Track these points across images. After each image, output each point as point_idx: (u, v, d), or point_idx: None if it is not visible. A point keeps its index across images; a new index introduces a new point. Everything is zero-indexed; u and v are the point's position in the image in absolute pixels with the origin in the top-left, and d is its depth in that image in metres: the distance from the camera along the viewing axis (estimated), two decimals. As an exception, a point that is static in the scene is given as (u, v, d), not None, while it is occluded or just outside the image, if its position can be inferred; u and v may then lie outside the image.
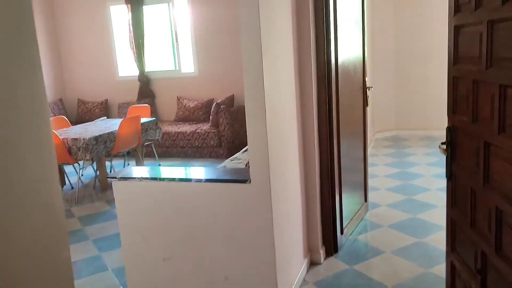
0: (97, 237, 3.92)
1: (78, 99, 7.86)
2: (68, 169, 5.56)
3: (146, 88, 7.47)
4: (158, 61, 7.58)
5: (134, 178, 2.64)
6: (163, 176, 2.61)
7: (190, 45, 7.15)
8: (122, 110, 7.47)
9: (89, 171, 5.90)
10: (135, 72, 7.57)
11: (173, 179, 2.57)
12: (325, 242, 3.26)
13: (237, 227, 2.51)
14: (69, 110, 7.99)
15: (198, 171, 2.73)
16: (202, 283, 2.66)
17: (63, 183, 5.49)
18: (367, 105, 3.88)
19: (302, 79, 3.02)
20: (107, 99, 7.74)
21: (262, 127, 2.35)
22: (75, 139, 4.84)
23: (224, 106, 6.42)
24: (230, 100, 6.80)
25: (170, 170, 2.77)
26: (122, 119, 5.82)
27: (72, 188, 5.43)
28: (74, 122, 7.59)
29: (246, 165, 2.78)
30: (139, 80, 7.44)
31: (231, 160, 4.01)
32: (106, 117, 6.44)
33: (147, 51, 7.37)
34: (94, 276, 3.25)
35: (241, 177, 2.46)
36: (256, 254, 2.51)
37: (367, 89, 3.84)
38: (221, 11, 6.81)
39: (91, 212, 4.56)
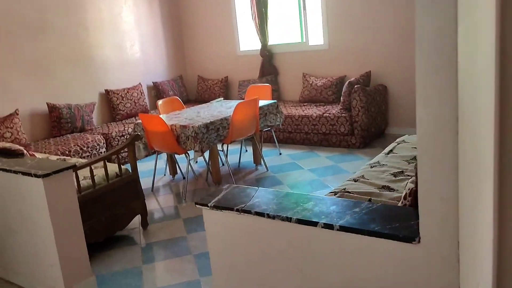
0: (200, 252, 3.21)
1: (198, 76, 7.35)
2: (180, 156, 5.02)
3: (268, 64, 6.62)
4: (282, 32, 6.66)
5: (233, 209, 1.78)
6: (272, 212, 1.69)
7: (320, 13, 6.07)
8: (242, 88, 6.76)
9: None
10: (257, 46, 6.77)
11: (288, 219, 1.64)
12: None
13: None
14: (189, 87, 7.55)
15: (326, 206, 1.75)
16: None
17: (174, 171, 4.96)
18: None
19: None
20: (227, 76, 7.09)
21: (450, 130, 1.27)
22: (184, 127, 4.19)
23: (358, 85, 5.28)
24: (366, 78, 5.61)
25: (284, 198, 1.84)
26: (239, 101, 5.07)
27: (184, 178, 4.87)
28: (193, 101, 7.14)
29: (405, 199, 1.73)
30: (261, 54, 6.61)
31: (371, 167, 2.94)
32: (222, 98, 5.78)
33: (270, 22, 6.49)
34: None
35: (400, 232, 1.43)
36: None
37: None
38: (359, -31, 5.58)
39: (198, 213, 3.90)
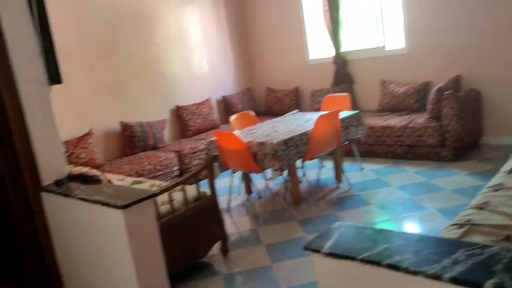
0: (289, 285, 2.88)
1: (267, 87, 7.09)
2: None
3: (342, 72, 6.22)
4: (356, 38, 6.24)
5: (355, 258, 1.42)
6: (411, 265, 1.32)
7: (400, 15, 5.59)
8: (314, 99, 6.40)
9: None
10: (329, 54, 6.40)
11: (437, 277, 1.26)
12: None
13: None
14: (258, 99, 7.30)
15: (483, 256, 1.34)
16: None
17: (249, 190, 4.68)
18: None
19: None
20: (297, 87, 6.76)
21: None
22: (261, 144, 3.89)
23: (449, 91, 4.75)
24: (456, 83, 5.05)
25: (422, 244, 1.45)
26: (317, 113, 4.73)
27: (260, 197, 4.58)
28: (263, 113, 6.88)
29: None
30: (334, 62, 6.23)
31: (495, 190, 2.47)
32: (298, 110, 5.45)
33: (344, 27, 6.09)
34: None
35: None
36: None
37: None
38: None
39: (283, 238, 3.57)
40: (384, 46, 5.85)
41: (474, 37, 5.04)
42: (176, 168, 5.18)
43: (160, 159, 5.06)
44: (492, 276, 1.20)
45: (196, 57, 6.47)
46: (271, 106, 6.92)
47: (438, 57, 5.36)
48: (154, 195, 2.46)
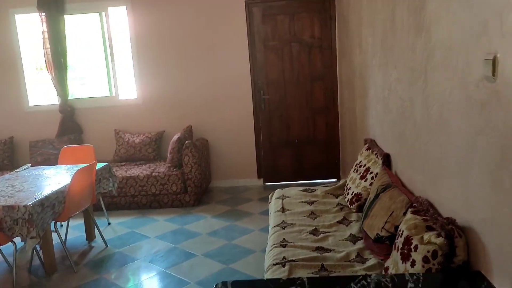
0: None
1: (-33, 137, 5.80)
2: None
3: (70, 121, 5.75)
4: (86, 85, 5.93)
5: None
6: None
7: (131, 64, 5.68)
8: (36, 150, 5.64)
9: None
10: (52, 101, 5.83)
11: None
12: None
13: None
14: (-46, 153, 5.86)
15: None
16: None
17: (-22, 269, 3.67)
18: None
19: None
20: (12, 137, 5.81)
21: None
22: (10, 207, 3.17)
23: (189, 141, 5.10)
24: (189, 133, 5.48)
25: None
26: (52, 166, 4.25)
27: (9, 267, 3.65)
28: (-35, 170, 5.55)
29: (426, 262, 1.69)
30: (60, 111, 5.69)
31: (283, 228, 2.83)
32: (30, 164, 4.65)
33: (70, 74, 5.69)
34: None
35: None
36: None
37: None
38: (169, 21, 5.51)
39: (48, 321, 2.95)
40: (116, 95, 5.78)
41: (201, 91, 5.62)
42: None
43: None
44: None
45: None
46: (-25, 160, 5.66)
47: (170, 108, 5.70)
48: None
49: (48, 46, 5.56)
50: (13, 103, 5.84)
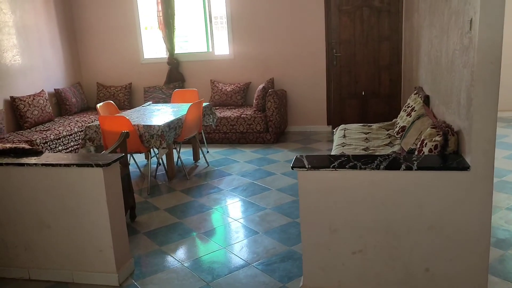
0: (203, 230, 3.67)
1: (97, 83, 7.33)
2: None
3: (175, 72, 7.08)
4: (189, 42, 7.20)
5: (328, 167, 2.46)
6: (362, 164, 2.43)
7: (225, 25, 6.83)
8: (148, 94, 7.05)
9: (140, 159, 5.52)
10: (162, 54, 7.16)
11: (376, 167, 2.40)
12: None
13: (446, 216, 2.40)
14: (88, 94, 7.45)
15: (403, 159, 2.56)
16: (397, 276, 2.54)
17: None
18: None
19: None
20: (131, 83, 7.27)
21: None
22: (149, 126, 4.49)
23: (271, 90, 6.21)
24: (272, 84, 6.59)
25: (367, 159, 2.59)
26: (165, 104, 5.52)
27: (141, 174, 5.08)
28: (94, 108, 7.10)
29: (430, 152, 2.65)
30: (168, 63, 7.03)
31: (342, 146, 3.86)
32: (151, 102, 6.03)
33: (177, 32, 6.97)
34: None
35: (460, 165, 2.34)
36: (466, 245, 2.40)
37: None
38: (260, -10, 6.54)
39: (177, 203, 4.27)
40: (213, 51, 6.99)
41: (282, 49, 6.67)
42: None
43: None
44: (401, 164, 2.41)
45: (29, 46, 6.30)
46: (103, 101, 7.18)
47: (256, 62, 6.81)
48: (124, 156, 2.93)
49: (160, 9, 6.85)
50: (132, 56, 7.26)
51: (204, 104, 5.51)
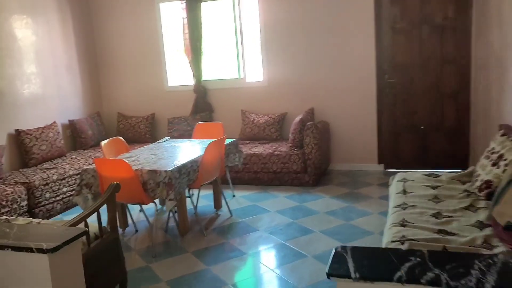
0: (213, 322, 2.70)
1: (118, 112, 6.64)
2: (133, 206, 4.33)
3: (202, 101, 6.26)
4: (217, 68, 6.39)
5: (390, 280, 1.45)
6: (452, 279, 1.41)
7: (259, 49, 5.97)
8: (172, 126, 6.26)
9: (148, 208, 4.66)
10: (188, 82, 6.38)
11: (476, 286, 1.37)
12: None
13: None
14: (108, 125, 6.77)
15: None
16: None
17: (125, 224, 4.27)
18: None
19: None
20: (153, 113, 6.52)
21: None
22: (154, 171, 3.62)
23: (311, 123, 5.23)
24: (311, 115, 5.61)
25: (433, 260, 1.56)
26: (185, 140, 4.67)
27: (137, 231, 4.21)
28: (116, 141, 6.37)
29: None
30: (194, 91, 6.23)
31: (403, 209, 2.80)
32: (169, 137, 5.22)
33: (205, 57, 6.17)
34: None
35: None
36: None
37: None
38: (298, 8, 5.64)
39: (184, 273, 3.34)
40: (244, 77, 6.13)
41: (324, 74, 5.70)
42: (24, 203, 4.40)
43: (6, 192, 4.23)
44: None
45: (41, 75, 5.69)
46: (123, 133, 6.47)
47: (293, 90, 5.87)
48: (86, 232, 2.05)
49: (186, 31, 6.10)
50: (155, 84, 6.53)
51: (228, 140, 4.61)
